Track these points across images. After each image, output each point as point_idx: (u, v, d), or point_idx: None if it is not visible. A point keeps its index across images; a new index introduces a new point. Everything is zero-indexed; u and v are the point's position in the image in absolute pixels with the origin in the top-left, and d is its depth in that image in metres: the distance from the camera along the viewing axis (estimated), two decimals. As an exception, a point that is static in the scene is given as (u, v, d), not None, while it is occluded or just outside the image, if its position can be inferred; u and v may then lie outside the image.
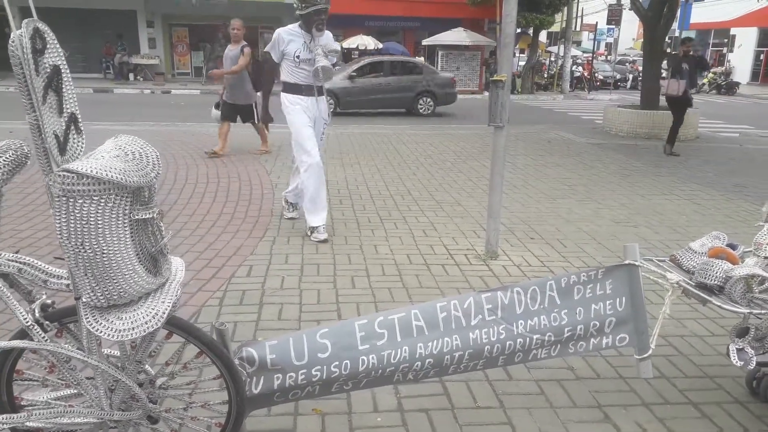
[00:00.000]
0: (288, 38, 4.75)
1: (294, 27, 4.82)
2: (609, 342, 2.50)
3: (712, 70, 31.14)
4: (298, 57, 4.73)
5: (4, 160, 1.61)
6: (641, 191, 6.93)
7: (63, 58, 1.52)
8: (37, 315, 1.73)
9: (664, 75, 11.51)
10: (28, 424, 1.79)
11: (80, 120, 1.59)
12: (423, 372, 2.29)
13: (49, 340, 1.74)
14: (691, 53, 9.86)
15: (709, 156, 9.69)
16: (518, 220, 5.59)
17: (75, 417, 1.83)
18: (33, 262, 1.78)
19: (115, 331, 1.61)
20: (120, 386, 1.82)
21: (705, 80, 29.32)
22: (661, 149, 9.86)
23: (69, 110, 1.55)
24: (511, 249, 4.78)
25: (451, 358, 2.28)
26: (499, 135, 4.39)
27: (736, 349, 2.24)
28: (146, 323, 1.63)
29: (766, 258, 2.41)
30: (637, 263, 2.44)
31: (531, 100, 22.44)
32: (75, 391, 1.90)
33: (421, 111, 15.50)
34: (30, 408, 1.86)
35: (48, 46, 1.47)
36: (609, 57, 36.95)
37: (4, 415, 1.77)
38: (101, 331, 1.61)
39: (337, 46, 5.06)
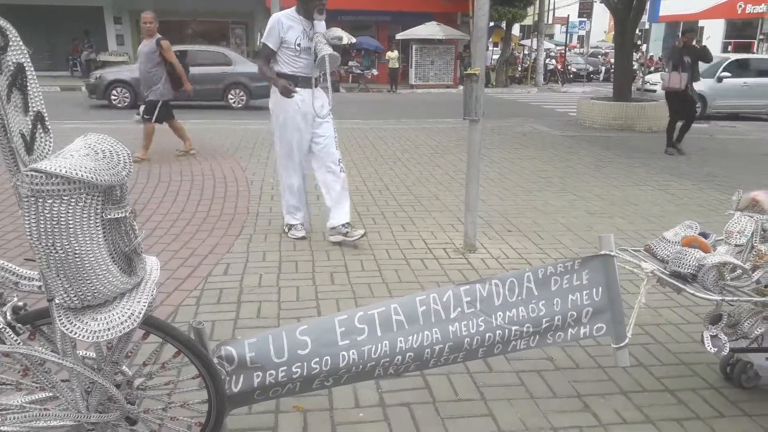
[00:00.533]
0: (288, 24, 4.34)
1: (291, 12, 4.40)
2: (586, 332, 2.52)
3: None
4: (299, 45, 4.34)
5: None
6: (616, 182, 7.02)
7: (27, 56, 1.48)
8: (8, 318, 1.69)
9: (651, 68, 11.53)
10: (2, 428, 1.75)
11: (47, 119, 1.55)
12: (404, 366, 2.29)
13: (21, 343, 1.70)
14: (693, 44, 9.27)
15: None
16: (496, 213, 5.63)
17: (51, 420, 1.79)
18: (3, 264, 1.73)
19: (90, 333, 1.57)
20: (96, 388, 1.79)
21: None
22: (635, 140, 9.97)
23: (35, 109, 1.51)
24: (489, 242, 4.81)
25: (431, 351, 2.28)
26: (474, 128, 4.41)
27: (710, 335, 2.28)
28: (122, 324, 1.60)
29: (737, 246, 2.46)
30: (612, 253, 2.47)
31: (505, 94, 22.59)
32: (50, 394, 1.86)
33: (232, 104, 15.00)
34: (4, 412, 1.82)
35: (11, 43, 1.43)
36: (581, 50, 37.35)
37: (-23, 421, 1.73)
38: (76, 333, 1.57)
39: (340, 32, 4.62)
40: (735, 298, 2.24)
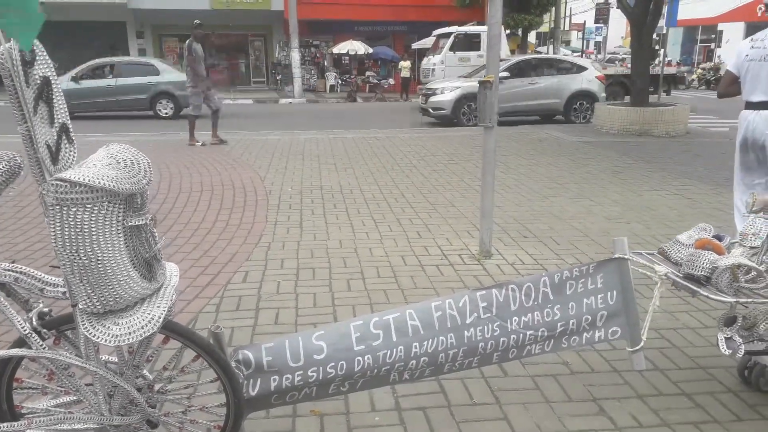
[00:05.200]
0: None
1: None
2: (601, 336, 2.53)
3: (701, 66, 31.35)
4: None
5: None
6: (633, 188, 6.98)
7: (53, 70, 1.55)
8: (34, 323, 1.76)
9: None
10: (28, 431, 1.81)
11: (71, 130, 1.62)
12: (419, 371, 2.32)
13: (47, 348, 1.77)
14: None
15: (700, 151, 9.75)
16: (511, 219, 5.63)
17: (75, 423, 1.85)
18: (29, 271, 1.80)
19: (112, 337, 1.63)
20: (119, 391, 1.84)
21: (694, 76, 29.52)
22: (652, 145, 9.88)
23: (60, 121, 1.58)
24: (505, 248, 4.82)
25: (446, 356, 2.31)
26: (489, 135, 4.44)
27: (725, 338, 2.28)
28: (142, 328, 1.66)
29: (752, 248, 2.45)
30: (626, 257, 2.47)
31: (522, 101, 22.51)
32: (75, 398, 1.92)
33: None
34: (30, 416, 1.88)
35: (37, 57, 1.50)
36: (598, 55, 37.14)
37: (5, 423, 1.79)
38: (98, 337, 1.63)
39: None
40: (749, 300, 2.23)
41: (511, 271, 4.32)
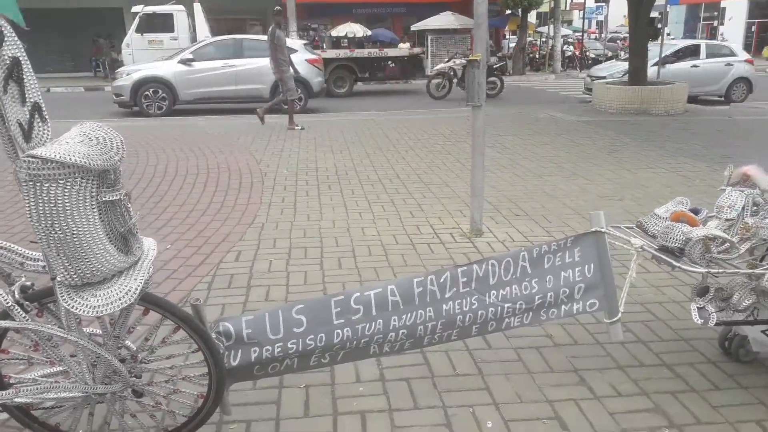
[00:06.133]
0: None
1: None
2: (579, 308, 2.57)
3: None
4: None
5: None
6: (628, 166, 6.99)
7: (22, 50, 1.58)
8: (17, 296, 1.81)
9: None
10: (16, 400, 1.88)
11: (44, 109, 1.65)
12: (399, 344, 2.37)
13: (30, 320, 1.82)
14: None
15: (698, 129, 9.73)
16: (504, 199, 5.66)
17: (61, 392, 1.91)
18: (9, 245, 1.85)
19: (90, 308, 1.68)
20: (101, 361, 1.90)
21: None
22: (650, 123, 9.87)
23: (32, 100, 1.62)
24: (496, 226, 4.85)
25: (424, 328, 2.36)
26: (477, 114, 4.46)
27: (697, 308, 2.32)
28: (120, 299, 1.71)
29: (727, 220, 2.48)
30: (602, 230, 2.51)
31: (522, 81, 22.41)
32: (61, 368, 1.98)
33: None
34: (18, 385, 1.95)
35: (5, 38, 1.53)
36: (600, 35, 36.83)
37: (-7, 393, 1.85)
38: (77, 308, 1.68)
39: None
40: (720, 271, 2.27)
41: (501, 248, 4.36)
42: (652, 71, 12.51)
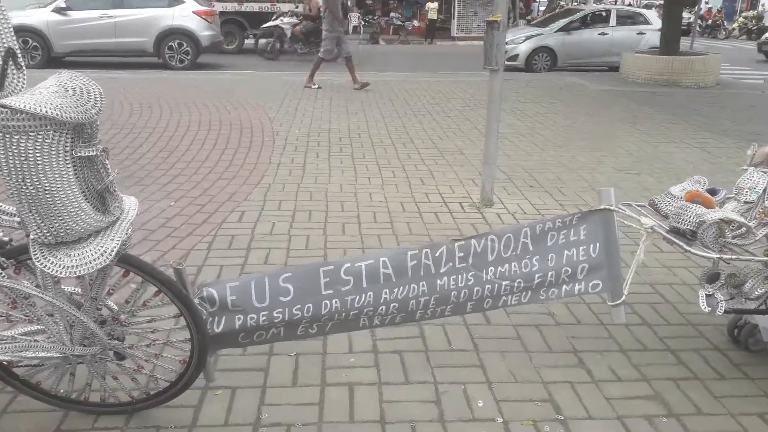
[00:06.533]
0: None
1: None
2: (582, 288, 2.47)
3: (743, 14, 29.89)
4: None
5: None
6: (649, 139, 6.76)
7: None
8: (-8, 252, 1.75)
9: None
10: (-7, 356, 1.84)
11: (19, 55, 1.56)
12: (389, 317, 2.29)
13: (6, 277, 1.77)
14: None
15: (728, 103, 9.38)
16: (519, 168, 5.51)
17: (39, 351, 1.88)
18: (-17, 200, 1.79)
19: (63, 268, 1.62)
20: (78, 322, 1.85)
21: (735, 24, 28.19)
22: (678, 95, 9.53)
23: (6, 44, 1.52)
24: (508, 197, 4.72)
25: (416, 303, 2.28)
26: (495, 79, 4.28)
27: (705, 294, 2.20)
28: (95, 260, 1.64)
29: (746, 203, 2.34)
30: (611, 208, 2.39)
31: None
32: (40, 327, 1.94)
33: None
34: (-4, 342, 1.91)
35: None
36: (634, 0, 35.61)
37: (-31, 349, 1.82)
38: (50, 268, 1.62)
39: None
40: (733, 257, 2.14)
41: (510, 220, 4.24)
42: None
